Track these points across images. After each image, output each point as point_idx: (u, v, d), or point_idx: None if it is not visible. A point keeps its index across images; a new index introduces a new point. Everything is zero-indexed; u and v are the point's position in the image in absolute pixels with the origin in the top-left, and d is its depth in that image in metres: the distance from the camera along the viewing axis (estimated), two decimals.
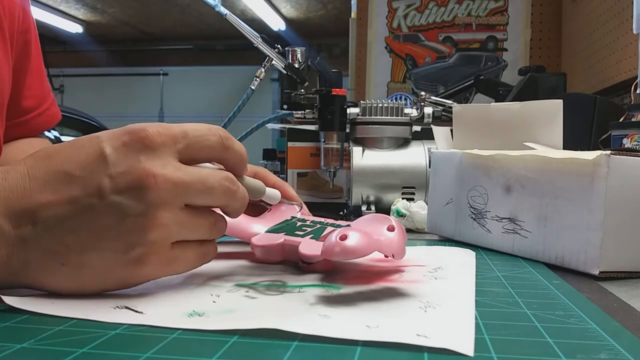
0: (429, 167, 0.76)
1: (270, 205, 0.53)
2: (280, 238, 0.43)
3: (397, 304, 0.33)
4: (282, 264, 0.45)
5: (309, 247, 0.40)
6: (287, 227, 0.46)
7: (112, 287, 0.34)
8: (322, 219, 0.47)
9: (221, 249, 0.52)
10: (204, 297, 0.34)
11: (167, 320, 0.29)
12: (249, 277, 0.40)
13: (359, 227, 0.40)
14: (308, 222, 0.46)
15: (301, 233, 0.43)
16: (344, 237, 0.34)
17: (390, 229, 0.38)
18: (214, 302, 0.33)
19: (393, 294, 0.35)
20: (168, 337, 0.27)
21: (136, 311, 0.31)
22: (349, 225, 0.43)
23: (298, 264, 0.43)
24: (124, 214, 0.31)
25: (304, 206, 0.52)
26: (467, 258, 0.49)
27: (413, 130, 0.90)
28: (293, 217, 0.49)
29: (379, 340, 0.26)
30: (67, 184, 0.32)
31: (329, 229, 0.43)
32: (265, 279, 0.39)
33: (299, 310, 0.31)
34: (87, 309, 0.31)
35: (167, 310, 0.31)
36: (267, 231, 0.46)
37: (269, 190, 0.43)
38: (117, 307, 0.31)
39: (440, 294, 0.36)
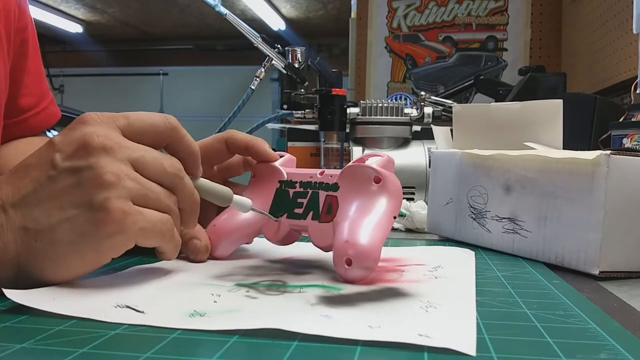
0: (429, 167, 0.76)
1: (254, 168, 0.50)
2: (287, 224, 0.44)
3: (398, 304, 0.33)
4: (283, 264, 0.45)
5: (319, 236, 0.41)
6: (284, 204, 0.45)
7: (90, 260, 0.34)
8: (309, 177, 0.45)
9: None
10: (205, 297, 0.34)
11: (168, 320, 0.29)
12: (250, 277, 0.40)
13: (348, 193, 0.41)
14: (298, 187, 0.45)
15: (300, 211, 0.43)
16: (349, 262, 0.36)
17: (377, 180, 0.39)
18: (214, 302, 0.33)
19: (394, 294, 0.35)
20: (168, 337, 0.27)
21: (137, 310, 0.31)
22: (336, 185, 0.42)
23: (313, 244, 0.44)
24: (78, 173, 0.34)
25: (289, 157, 0.49)
26: (466, 257, 0.49)
27: (413, 130, 0.90)
28: (281, 183, 0.47)
29: (381, 340, 0.26)
30: (25, 171, 0.35)
31: (322, 195, 0.43)
32: (266, 279, 0.39)
33: (300, 311, 0.31)
34: (88, 308, 0.30)
35: (168, 310, 0.31)
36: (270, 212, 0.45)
37: (239, 198, 0.43)
38: (118, 306, 0.31)
39: (441, 293, 0.36)
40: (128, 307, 0.31)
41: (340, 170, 0.42)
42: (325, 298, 0.34)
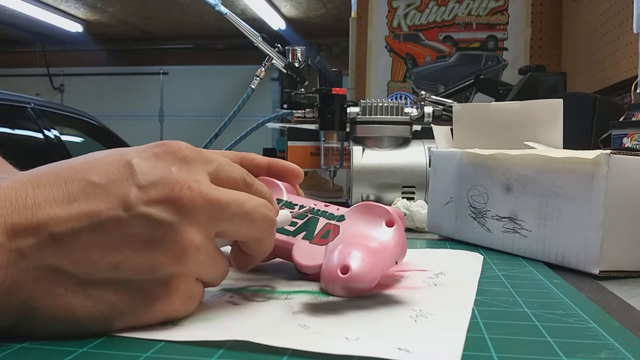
0: (429, 166, 0.76)
1: None
2: None
3: (387, 312, 0.31)
4: (277, 267, 0.43)
5: (305, 254, 0.37)
6: None
7: (119, 326, 0.27)
8: (312, 203, 0.42)
9: None
10: None
11: (138, 331, 0.27)
12: (238, 281, 0.38)
13: (354, 225, 0.38)
14: (296, 210, 0.42)
15: (292, 229, 0.40)
16: (345, 270, 0.32)
17: (389, 224, 0.36)
18: None
19: (385, 301, 0.34)
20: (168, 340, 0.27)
21: None
22: (342, 217, 0.39)
23: (293, 264, 0.40)
24: (155, 227, 0.27)
25: (297, 185, 0.46)
26: (472, 263, 0.47)
27: (413, 129, 0.90)
28: (278, 201, 0.43)
29: (355, 354, 0.24)
30: (84, 193, 0.26)
31: (322, 222, 0.40)
32: (255, 284, 0.38)
33: (278, 320, 0.30)
34: None
35: None
36: None
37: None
38: None
39: (437, 301, 0.34)
40: None
41: (347, 208, 0.40)
42: (309, 306, 0.32)
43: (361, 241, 0.35)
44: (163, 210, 0.27)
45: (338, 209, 0.40)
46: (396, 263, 0.35)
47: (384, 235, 0.36)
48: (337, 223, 0.39)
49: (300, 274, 0.39)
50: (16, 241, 0.25)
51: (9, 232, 0.25)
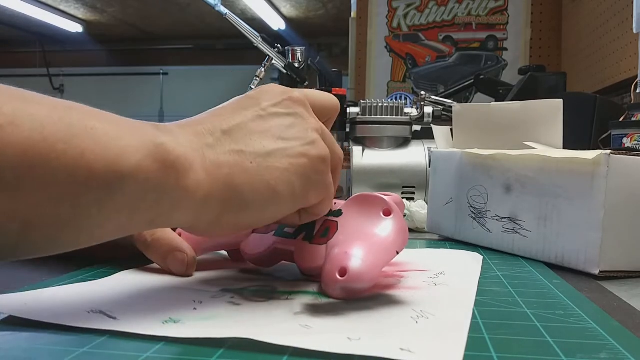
0: (429, 166, 0.76)
1: None
2: (271, 241, 0.40)
3: (389, 313, 0.31)
4: (277, 268, 0.43)
5: (307, 256, 0.37)
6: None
7: (295, 197, 0.34)
8: None
9: (211, 256, 0.49)
10: (186, 303, 0.33)
11: (139, 327, 0.28)
12: (238, 281, 0.38)
13: (352, 219, 0.37)
14: None
15: (291, 231, 0.40)
16: (343, 272, 0.32)
17: (387, 213, 0.36)
18: (194, 308, 0.32)
19: (386, 302, 0.34)
20: (168, 337, 0.27)
21: (110, 316, 0.29)
22: (340, 211, 0.39)
23: (297, 266, 0.40)
24: (289, 117, 0.36)
25: None
26: (472, 263, 0.47)
27: (413, 129, 0.90)
28: None
29: (357, 354, 0.24)
30: (229, 111, 0.35)
31: (321, 219, 0.39)
32: (255, 284, 0.38)
33: (279, 320, 0.30)
34: (59, 313, 0.29)
35: (142, 317, 0.30)
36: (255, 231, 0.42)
37: None
38: (92, 311, 0.30)
39: (437, 301, 0.34)
40: (101, 312, 0.30)
41: (344, 201, 0.40)
42: (310, 306, 0.32)
43: (359, 236, 0.35)
44: (288, 107, 0.36)
45: (335, 204, 0.40)
46: (397, 253, 0.35)
47: (382, 226, 0.35)
48: (335, 219, 0.38)
49: (305, 275, 0.39)
50: (204, 139, 0.33)
51: (199, 135, 0.33)
